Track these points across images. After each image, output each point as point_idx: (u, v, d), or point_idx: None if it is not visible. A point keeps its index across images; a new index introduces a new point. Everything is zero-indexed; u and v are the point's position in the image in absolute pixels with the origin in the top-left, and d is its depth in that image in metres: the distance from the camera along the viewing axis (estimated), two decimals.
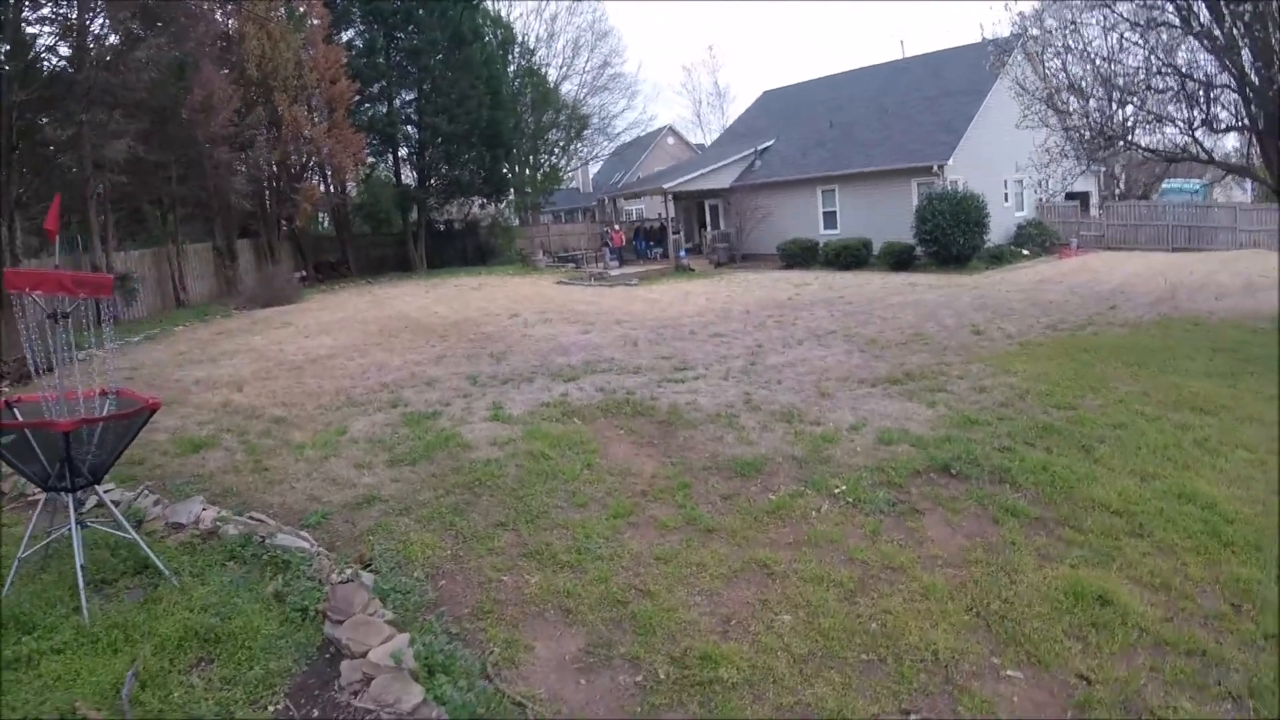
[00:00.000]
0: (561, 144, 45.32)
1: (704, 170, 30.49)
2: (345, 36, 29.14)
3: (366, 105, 29.64)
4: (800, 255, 26.18)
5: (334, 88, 24.90)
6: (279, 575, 4.48)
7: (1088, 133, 12.39)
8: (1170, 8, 10.82)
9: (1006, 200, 26.72)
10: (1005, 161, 24.59)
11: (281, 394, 9.72)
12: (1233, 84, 10.61)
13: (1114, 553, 4.54)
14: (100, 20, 17.54)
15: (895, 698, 3.41)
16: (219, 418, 8.66)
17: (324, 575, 4.40)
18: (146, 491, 5.98)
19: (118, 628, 3.91)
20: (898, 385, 8.57)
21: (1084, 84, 12.09)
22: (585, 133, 47.33)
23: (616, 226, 33.46)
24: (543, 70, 42.95)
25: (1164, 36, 10.90)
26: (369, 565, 4.68)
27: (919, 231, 22.74)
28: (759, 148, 31.16)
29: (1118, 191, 40.55)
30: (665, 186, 29.36)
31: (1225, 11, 9.87)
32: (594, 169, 56.14)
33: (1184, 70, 11.05)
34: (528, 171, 42.48)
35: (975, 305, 14.76)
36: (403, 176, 33.06)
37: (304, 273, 26.66)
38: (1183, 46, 11.08)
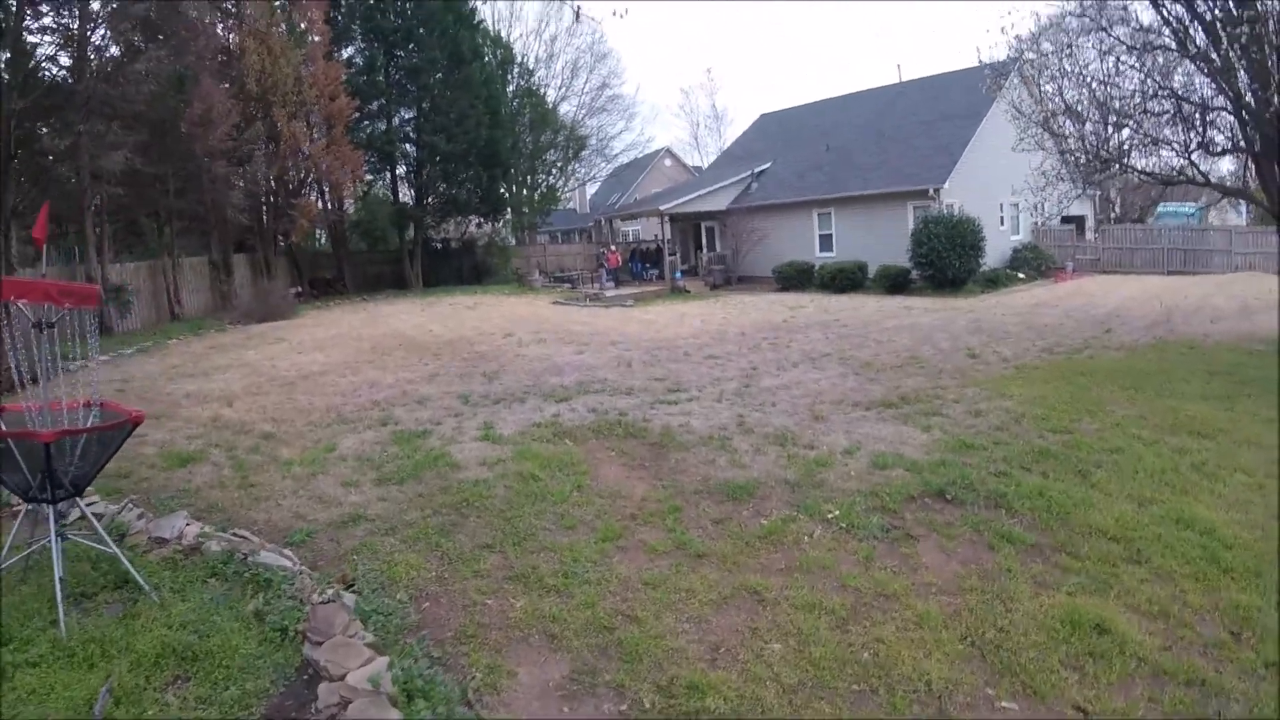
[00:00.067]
0: (559, 164, 45.52)
1: (701, 192, 30.61)
2: (345, 53, 29.36)
3: (365, 122, 29.78)
4: (796, 278, 26.23)
5: (333, 104, 24.99)
6: (260, 594, 4.40)
7: (1084, 156, 12.42)
8: (1166, 31, 10.87)
9: (1002, 224, 26.83)
10: (1001, 185, 24.70)
11: (272, 410, 9.64)
12: (1229, 106, 10.64)
13: (1111, 580, 4.46)
14: (101, 31, 17.61)
15: None
16: (208, 432, 8.58)
17: (305, 595, 4.31)
18: (131, 505, 5.90)
19: (95, 642, 3.84)
20: (892, 409, 8.50)
21: (1080, 107, 12.14)
22: (583, 154, 47.57)
23: (613, 247, 33.51)
24: (541, 91, 43.22)
25: (1160, 59, 10.95)
26: (351, 586, 4.58)
27: (915, 255, 22.80)
28: (756, 170, 31.31)
29: (1113, 215, 40.76)
30: (662, 208, 29.44)
31: (1222, 34, 9.91)
32: (591, 190, 56.34)
33: (1180, 93, 11.09)
34: (525, 191, 42.63)
35: (971, 329, 14.74)
36: (400, 194, 33.16)
37: (299, 289, 26.65)
38: (1179, 69, 11.14)
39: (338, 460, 7.29)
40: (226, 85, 22.03)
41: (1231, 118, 11.01)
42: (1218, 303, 17.55)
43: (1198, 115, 11.16)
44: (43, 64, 17.30)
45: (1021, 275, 25.27)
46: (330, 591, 4.32)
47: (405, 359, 13.43)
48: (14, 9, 15.89)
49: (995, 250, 24.89)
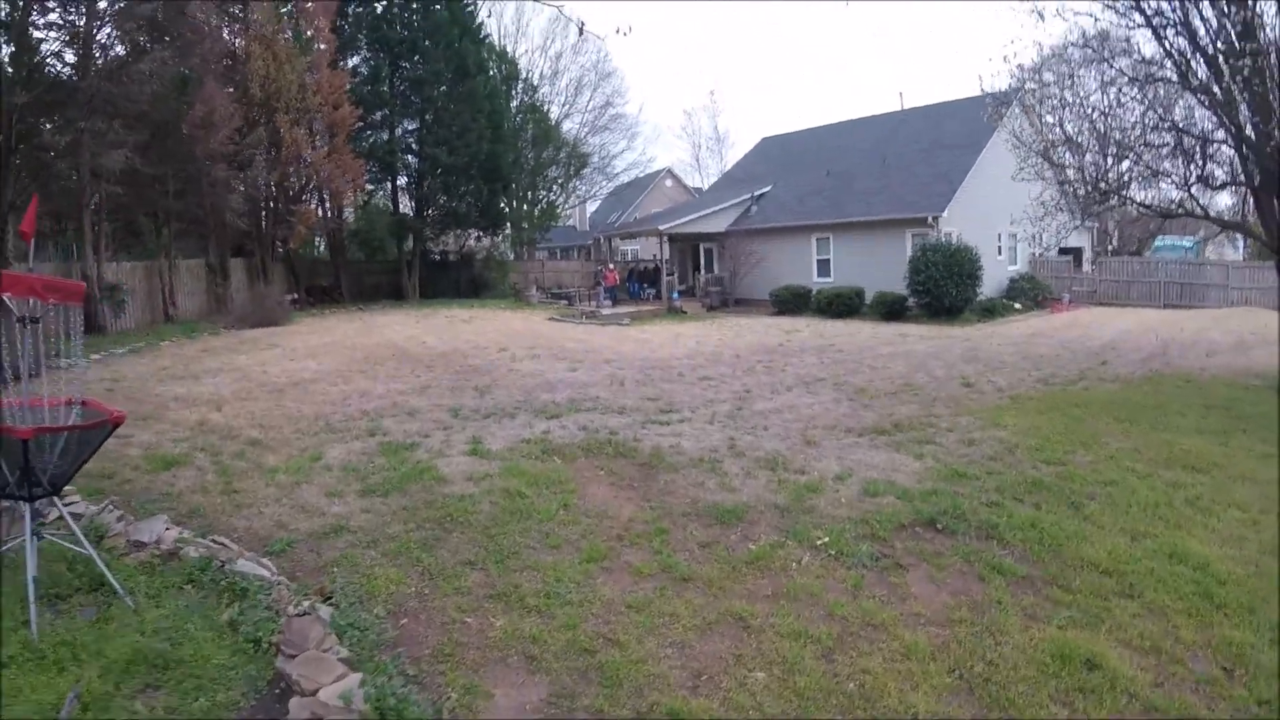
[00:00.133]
0: (560, 181, 45.66)
1: (701, 213, 30.69)
2: (351, 62, 29.48)
3: (368, 132, 29.86)
4: (792, 302, 26.24)
5: (336, 113, 25.03)
6: (236, 603, 4.33)
7: (1084, 187, 12.45)
8: (1168, 63, 10.92)
9: (1000, 253, 26.92)
10: (999, 215, 24.81)
11: (260, 416, 9.55)
12: (1229, 140, 10.68)
13: (1103, 614, 4.39)
14: (107, 30, 17.64)
15: None
16: (194, 436, 8.50)
17: (281, 606, 4.23)
18: (111, 506, 5.83)
19: (66, 645, 3.77)
20: (885, 435, 8.44)
21: (1081, 138, 12.18)
22: (584, 171, 47.74)
23: (611, 266, 33.55)
24: (545, 107, 43.42)
25: (1161, 92, 11.00)
26: (329, 598, 4.49)
27: (912, 282, 22.83)
28: (756, 193, 31.41)
29: (1111, 247, 40.98)
30: (661, 228, 29.48)
31: (1224, 67, 9.96)
32: (591, 207, 56.52)
33: (1181, 125, 11.13)
34: (525, 207, 42.73)
35: (966, 357, 14.71)
36: (400, 205, 33.17)
37: (296, 295, 26.59)
38: (1180, 102, 11.19)
39: (323, 469, 7.20)
40: (230, 89, 22.07)
41: (1231, 151, 11.05)
42: (1214, 337, 17.57)
43: (1198, 148, 11.20)
44: (47, 60, 17.30)
45: (1018, 305, 25.31)
46: (306, 604, 4.23)
47: (397, 370, 13.35)
48: (20, 3, 15.92)
49: (992, 280, 24.96)
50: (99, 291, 18.05)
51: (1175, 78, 10.81)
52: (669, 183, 54.53)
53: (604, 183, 52.20)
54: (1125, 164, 12.00)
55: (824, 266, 27.52)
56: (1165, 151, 11.48)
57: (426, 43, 29.25)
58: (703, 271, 33.18)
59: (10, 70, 15.71)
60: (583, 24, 6.88)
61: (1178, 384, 11.74)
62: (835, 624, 4.30)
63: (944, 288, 22.05)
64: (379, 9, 29.55)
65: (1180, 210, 12.27)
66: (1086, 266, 30.90)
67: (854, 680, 3.77)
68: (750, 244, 28.66)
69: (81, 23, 17.20)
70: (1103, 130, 11.68)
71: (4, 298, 4.37)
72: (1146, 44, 11.91)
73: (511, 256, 41.44)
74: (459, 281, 33.64)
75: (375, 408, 10.04)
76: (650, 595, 4.62)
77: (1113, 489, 6.48)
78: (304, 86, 23.79)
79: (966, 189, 24.33)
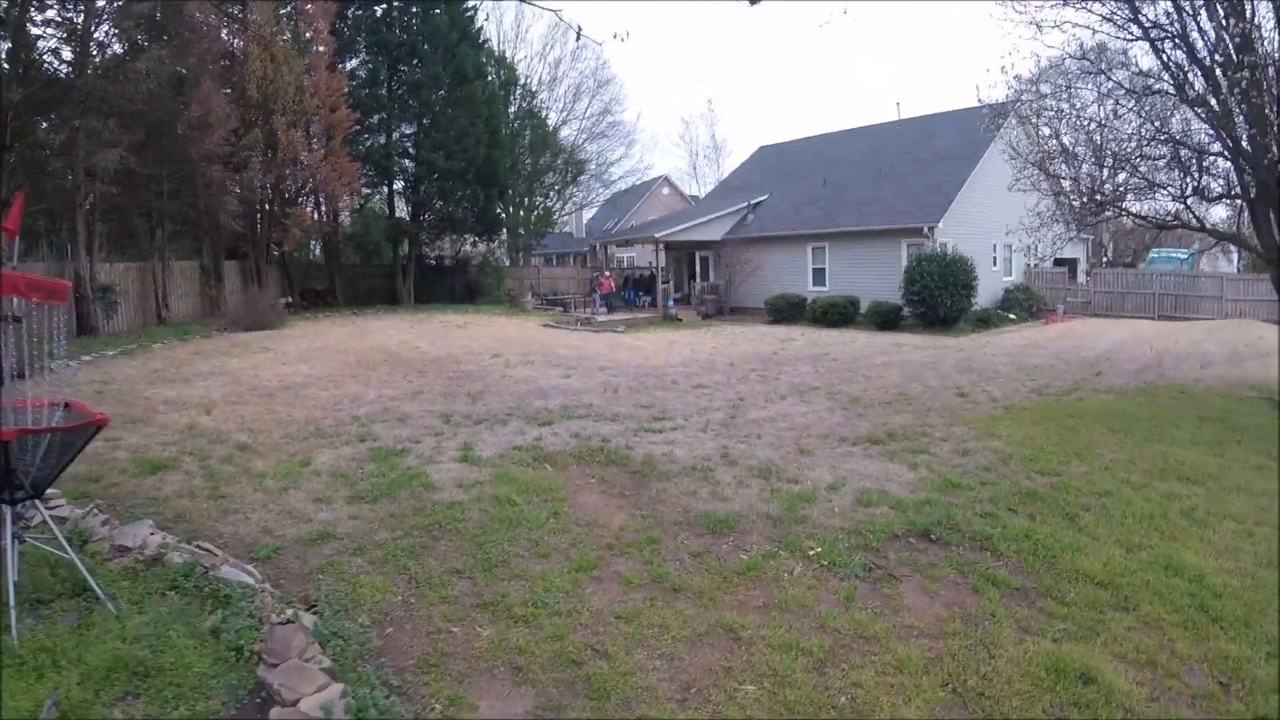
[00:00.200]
0: (557, 188, 45.66)
1: (697, 221, 30.70)
2: (349, 65, 29.40)
3: (365, 135, 29.76)
4: (788, 310, 26.23)
5: (333, 115, 24.96)
6: (219, 610, 4.25)
7: (1079, 199, 12.44)
8: (1166, 76, 10.93)
9: (995, 264, 26.96)
10: (995, 226, 24.86)
11: (250, 420, 9.47)
12: (1226, 152, 10.68)
13: (1098, 627, 4.34)
14: (105, 27, 17.59)
15: None
16: (183, 439, 8.42)
17: (264, 614, 4.16)
18: (96, 510, 5.76)
19: (46, 652, 3.70)
20: (879, 445, 8.40)
21: (1077, 150, 12.18)
22: (581, 178, 47.74)
23: (606, 273, 33.54)
24: (543, 113, 43.43)
25: (1158, 104, 11.01)
26: (313, 606, 4.42)
27: (907, 292, 22.85)
28: (752, 202, 31.44)
29: (1105, 259, 41.11)
30: (657, 235, 29.49)
31: (1222, 80, 9.96)
32: (588, 214, 56.51)
33: (1177, 138, 11.14)
34: (521, 213, 42.70)
35: (960, 367, 14.69)
36: (396, 209, 33.08)
37: (290, 299, 26.47)
38: (1176, 114, 11.19)
39: (312, 475, 7.13)
40: (227, 90, 21.98)
41: (1227, 164, 11.05)
42: (1208, 349, 17.59)
43: (1194, 160, 11.20)
44: (44, 57, 17.25)
45: (1013, 316, 25.34)
46: (289, 612, 4.16)
47: (390, 375, 13.28)
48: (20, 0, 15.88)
49: (987, 290, 24.98)
50: (92, 292, 17.93)
51: (1172, 90, 10.81)
52: (666, 190, 54.57)
53: (601, 190, 52.25)
54: (1121, 175, 12.00)
55: (819, 275, 27.54)
56: (1161, 163, 11.48)
57: (425, 46, 29.20)
58: (698, 279, 33.18)
59: (6, 67, 15.63)
60: (580, 28, 6.83)
61: (1172, 395, 11.73)
62: (827, 636, 4.25)
63: (939, 298, 22.07)
64: (378, 12, 29.49)
65: (1176, 222, 12.26)
66: (1081, 278, 31.00)
67: (845, 693, 3.71)
68: (746, 252, 28.67)
69: (80, 20, 17.14)
70: (1099, 142, 11.68)
71: None
72: (1144, 57, 11.94)
73: (507, 262, 41.40)
74: (454, 287, 33.56)
75: (366, 413, 9.97)
76: (640, 606, 4.56)
77: (1107, 500, 6.44)
78: (301, 88, 23.71)
79: (962, 200, 24.38)
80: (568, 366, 14.70)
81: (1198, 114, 10.78)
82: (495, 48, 39.51)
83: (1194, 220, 11.99)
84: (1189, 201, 11.62)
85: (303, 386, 11.92)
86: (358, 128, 27.50)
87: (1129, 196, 12.18)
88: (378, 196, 34.25)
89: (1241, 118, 10.03)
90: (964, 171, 25.09)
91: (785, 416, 9.98)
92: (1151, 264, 32.79)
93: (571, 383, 12.68)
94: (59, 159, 17.60)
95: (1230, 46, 10.03)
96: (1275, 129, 9.70)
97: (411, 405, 10.53)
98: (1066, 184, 12.93)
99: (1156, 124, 11.07)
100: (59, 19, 17.26)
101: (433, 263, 34.63)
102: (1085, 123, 11.86)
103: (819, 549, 5.36)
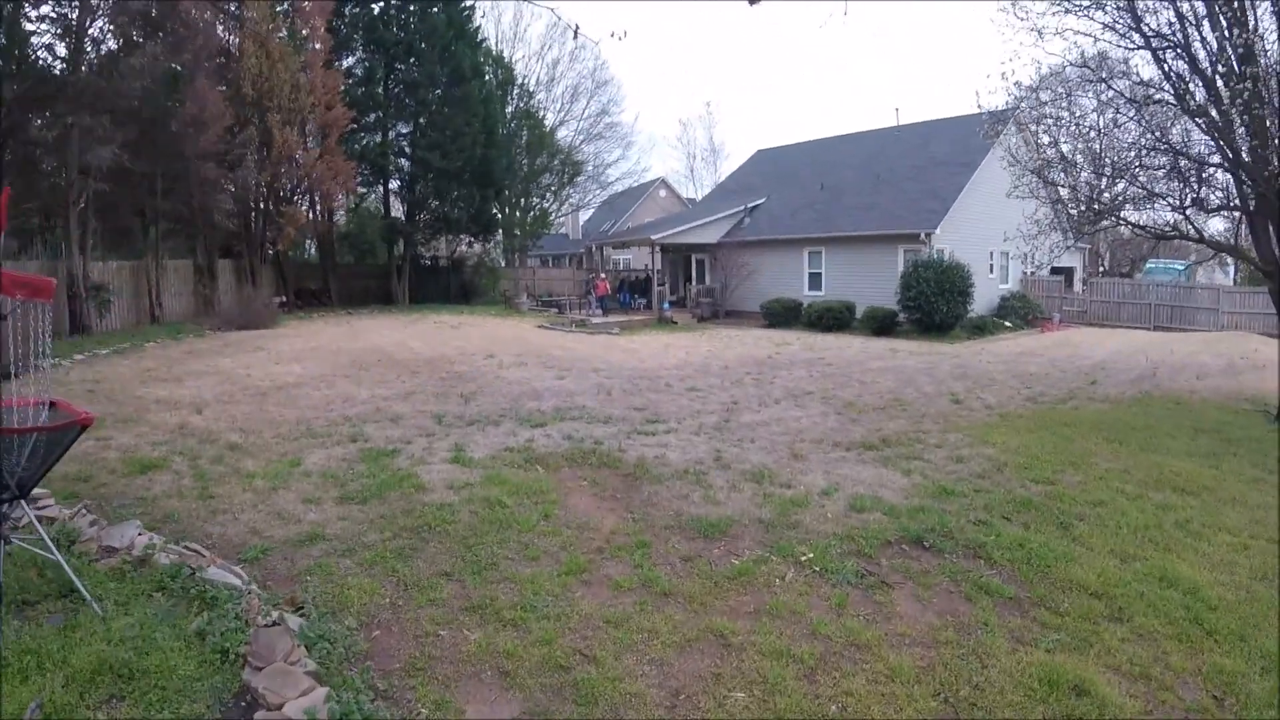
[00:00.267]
0: (553, 188, 45.64)
1: (693, 224, 30.67)
2: (345, 63, 29.37)
3: (361, 134, 29.73)
4: (783, 315, 26.21)
5: (329, 114, 24.92)
6: (205, 612, 4.19)
7: (1077, 208, 12.43)
8: (1167, 86, 10.92)
9: (991, 271, 26.97)
10: (992, 233, 24.84)
11: (241, 419, 9.42)
12: (1225, 164, 10.67)
13: (1092, 638, 4.31)
14: (100, 23, 17.53)
15: None
16: (174, 439, 8.37)
17: (250, 616, 4.10)
18: (85, 510, 5.70)
19: (31, 654, 3.66)
20: (873, 450, 8.37)
21: (1076, 158, 12.17)
22: (578, 179, 47.77)
23: (602, 275, 33.48)
24: (540, 114, 43.40)
25: (1158, 114, 10.99)
26: (300, 609, 4.37)
27: (903, 298, 22.85)
28: (749, 205, 31.43)
29: (1102, 269, 41.19)
30: (653, 237, 29.45)
31: (1223, 91, 9.95)
32: (584, 216, 56.44)
33: (1177, 148, 11.12)
34: (517, 214, 42.65)
35: (956, 374, 14.68)
36: (391, 209, 33.05)
37: (284, 298, 26.41)
38: (1176, 125, 11.18)
39: (302, 475, 7.08)
40: (222, 87, 21.93)
41: (1227, 175, 11.04)
42: (1204, 360, 17.60)
43: (1194, 171, 11.19)
44: (38, 53, 17.18)
45: (1008, 323, 25.35)
46: (275, 614, 4.10)
47: (383, 375, 13.23)
48: None
49: (983, 297, 24.99)
50: (85, 291, 17.86)
51: (1173, 100, 10.80)
52: (663, 193, 54.56)
53: (598, 191, 52.28)
54: (1120, 185, 11.98)
55: (815, 280, 27.53)
56: (1161, 174, 11.45)
57: (422, 45, 29.17)
58: (694, 282, 33.15)
59: (0, 63, 15.56)
60: (577, 27, 6.81)
61: (1168, 406, 11.73)
62: (818, 643, 4.21)
63: (935, 304, 22.07)
64: (375, 10, 29.46)
65: (1174, 233, 12.24)
66: (1078, 287, 31.03)
67: (836, 702, 3.67)
68: (742, 256, 28.65)
69: (75, 15, 17.08)
70: (1098, 150, 11.66)
71: None
72: (1145, 66, 11.92)
73: (503, 263, 41.40)
74: (449, 287, 33.52)
75: (358, 413, 9.92)
76: (629, 610, 4.52)
77: (1102, 510, 6.41)
78: (297, 86, 23.67)
79: (960, 206, 24.39)
80: (561, 368, 14.66)
81: (1198, 124, 10.76)
82: (493, 47, 39.50)
83: (1193, 231, 11.97)
84: (1188, 212, 11.60)
85: (295, 386, 11.86)
86: (354, 126, 27.46)
87: (1127, 206, 12.17)
88: (373, 196, 34.25)
89: (1243, 129, 10.01)
90: (962, 178, 25.10)
91: (779, 421, 9.95)
92: (1148, 274, 32.86)
93: (565, 384, 12.64)
94: (52, 156, 17.56)
95: (1233, 57, 10.01)
96: (1276, 141, 9.69)
97: (404, 406, 10.48)
98: (1065, 192, 12.92)
99: (1156, 134, 11.04)
100: (54, 14, 17.23)
101: (428, 263, 34.60)
102: (1085, 131, 11.84)
103: (811, 555, 5.33)
